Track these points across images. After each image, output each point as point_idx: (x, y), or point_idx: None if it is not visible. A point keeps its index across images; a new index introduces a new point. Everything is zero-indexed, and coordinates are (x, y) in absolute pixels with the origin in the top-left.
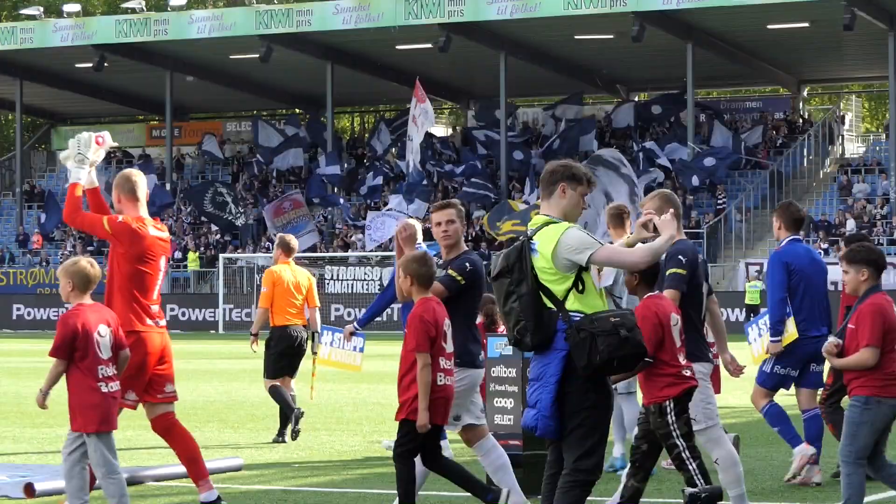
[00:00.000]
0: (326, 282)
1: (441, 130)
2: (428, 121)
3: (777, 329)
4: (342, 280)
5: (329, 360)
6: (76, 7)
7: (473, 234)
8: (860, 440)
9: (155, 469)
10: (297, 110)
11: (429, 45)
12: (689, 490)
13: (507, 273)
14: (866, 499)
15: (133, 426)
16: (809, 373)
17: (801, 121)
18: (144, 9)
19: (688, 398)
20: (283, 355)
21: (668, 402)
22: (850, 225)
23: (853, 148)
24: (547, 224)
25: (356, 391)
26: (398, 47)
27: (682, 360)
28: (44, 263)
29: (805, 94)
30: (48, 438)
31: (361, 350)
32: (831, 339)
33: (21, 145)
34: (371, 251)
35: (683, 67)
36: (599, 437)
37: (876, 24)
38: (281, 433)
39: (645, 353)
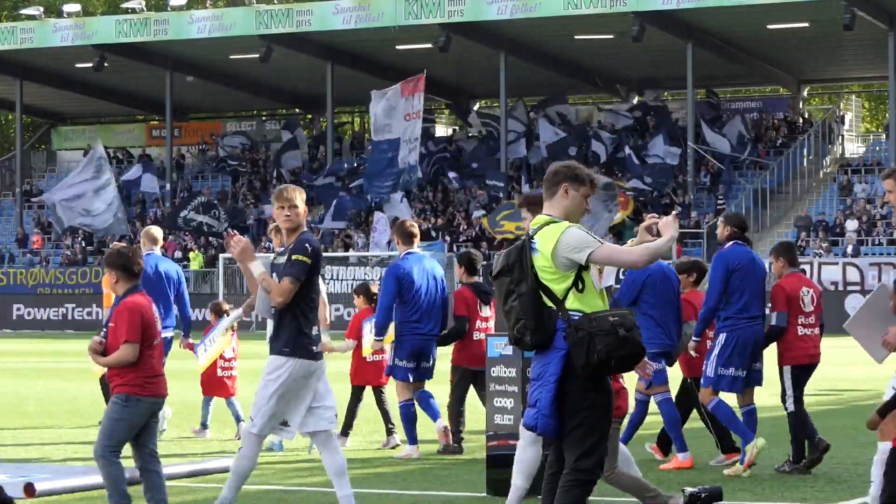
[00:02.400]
0: (326, 282)
1: (441, 130)
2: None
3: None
4: (342, 280)
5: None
6: (76, 7)
7: (473, 233)
8: (116, 436)
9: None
10: (297, 110)
11: (429, 45)
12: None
13: (507, 272)
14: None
15: None
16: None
17: (801, 121)
18: (144, 9)
19: None
20: None
21: None
22: (852, 226)
23: (853, 148)
24: (548, 223)
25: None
26: (398, 47)
27: None
28: (44, 263)
29: (805, 94)
30: (48, 438)
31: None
32: (95, 338)
33: (21, 145)
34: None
35: (683, 67)
36: (599, 436)
37: (876, 24)
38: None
39: (643, 352)
